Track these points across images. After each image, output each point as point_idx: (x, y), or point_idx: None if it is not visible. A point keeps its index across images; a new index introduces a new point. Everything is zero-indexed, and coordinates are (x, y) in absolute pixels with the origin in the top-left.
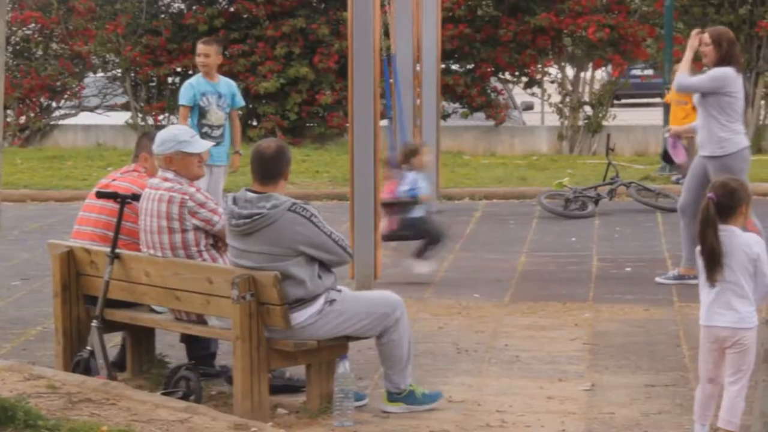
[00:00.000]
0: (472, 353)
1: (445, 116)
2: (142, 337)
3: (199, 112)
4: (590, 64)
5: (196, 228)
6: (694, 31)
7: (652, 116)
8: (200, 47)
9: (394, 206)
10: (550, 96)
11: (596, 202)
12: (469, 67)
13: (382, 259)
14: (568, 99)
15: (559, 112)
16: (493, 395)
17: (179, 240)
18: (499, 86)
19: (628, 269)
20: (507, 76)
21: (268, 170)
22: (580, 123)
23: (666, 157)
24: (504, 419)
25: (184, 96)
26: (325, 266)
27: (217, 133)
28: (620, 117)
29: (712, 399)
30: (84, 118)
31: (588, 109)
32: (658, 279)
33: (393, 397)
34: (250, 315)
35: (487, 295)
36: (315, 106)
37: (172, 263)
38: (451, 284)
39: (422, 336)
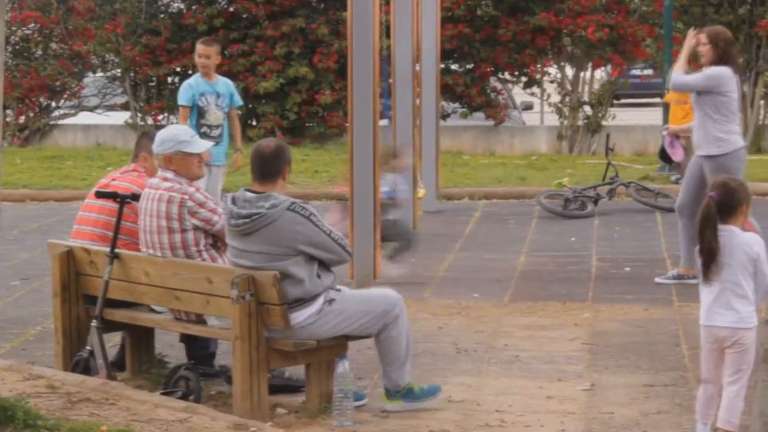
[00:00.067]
0: (472, 353)
1: (444, 116)
2: (141, 337)
3: (197, 112)
4: (590, 64)
5: (196, 228)
6: (691, 31)
7: (652, 116)
8: (201, 48)
9: None
10: (549, 96)
11: (596, 202)
12: (469, 66)
13: (382, 259)
14: (567, 99)
15: (559, 112)
16: (492, 395)
17: (179, 240)
18: (499, 86)
19: (628, 269)
20: (506, 75)
21: (267, 169)
22: (580, 123)
23: (664, 156)
24: (503, 419)
25: (183, 96)
26: (325, 266)
27: (215, 132)
28: (620, 117)
29: (714, 398)
30: (83, 117)
31: (587, 108)
32: (657, 279)
33: (391, 394)
34: (249, 315)
35: (486, 294)
36: (314, 106)
37: (171, 263)
38: (451, 284)
39: (422, 336)
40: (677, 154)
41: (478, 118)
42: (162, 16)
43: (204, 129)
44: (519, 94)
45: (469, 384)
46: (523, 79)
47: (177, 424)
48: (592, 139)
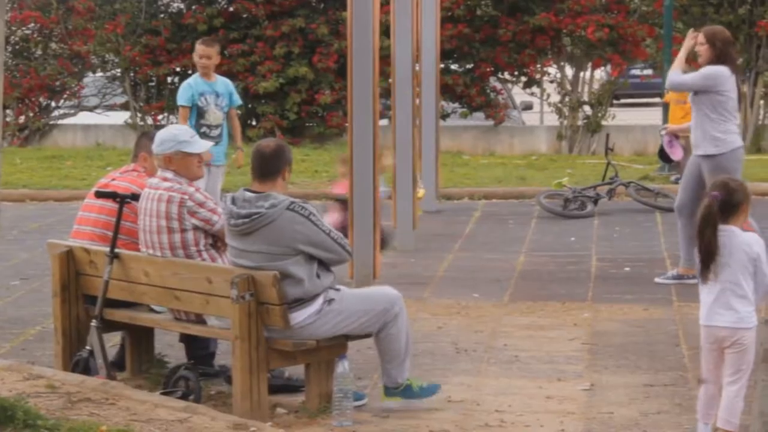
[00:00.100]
0: (471, 353)
1: (444, 116)
2: (141, 337)
3: (197, 112)
4: (589, 64)
5: (196, 228)
6: (691, 31)
7: (652, 116)
8: (202, 49)
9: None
10: (549, 96)
11: (595, 202)
12: (469, 66)
13: (381, 259)
14: (567, 99)
15: (559, 111)
16: (492, 395)
17: (178, 240)
18: (499, 86)
19: (627, 269)
20: (506, 75)
21: (267, 167)
22: (580, 123)
23: (663, 156)
24: (503, 419)
25: (183, 96)
26: (325, 265)
27: (215, 132)
28: (619, 117)
29: (715, 398)
30: (83, 117)
31: (587, 108)
32: (657, 279)
33: (390, 391)
34: (249, 315)
35: (486, 294)
36: (314, 106)
37: (171, 263)
38: (451, 284)
39: (421, 336)
40: (676, 154)
41: (478, 118)
42: (162, 16)
43: (204, 129)
44: (519, 94)
45: (469, 384)
46: (523, 79)
47: (177, 423)
48: (591, 139)
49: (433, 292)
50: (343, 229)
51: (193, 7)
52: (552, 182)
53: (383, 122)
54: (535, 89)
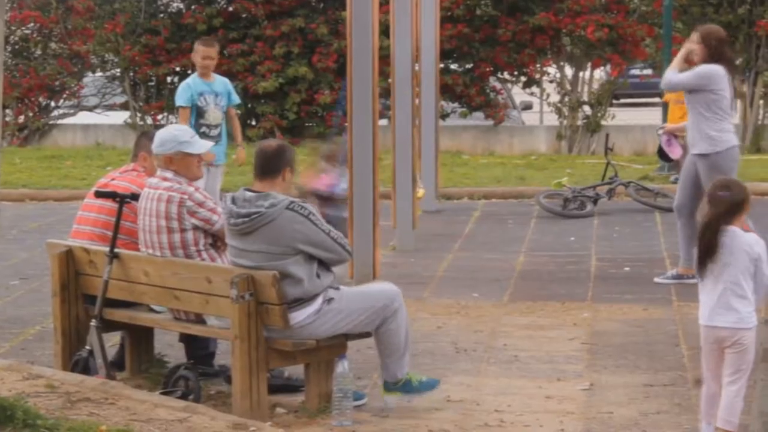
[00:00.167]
0: (471, 353)
1: (444, 116)
2: (141, 337)
3: (196, 112)
4: (589, 64)
5: (195, 227)
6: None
7: (651, 116)
8: (204, 50)
9: (327, 200)
10: (549, 95)
11: (595, 202)
12: (468, 66)
13: (382, 258)
14: (567, 99)
15: (558, 111)
16: (491, 395)
17: (178, 239)
18: (498, 86)
19: (627, 269)
20: (506, 75)
21: (268, 166)
22: (579, 123)
23: (662, 155)
24: (503, 419)
25: (182, 97)
26: (325, 265)
27: (214, 132)
28: (619, 117)
29: (716, 398)
30: (83, 117)
31: (587, 108)
32: (656, 279)
33: (390, 386)
34: (248, 314)
35: (485, 294)
36: (314, 106)
37: (171, 263)
38: (450, 284)
39: (421, 335)
40: (675, 152)
41: (478, 118)
42: (161, 15)
43: (203, 129)
44: (518, 94)
45: (468, 384)
46: (523, 78)
47: (176, 423)
48: (591, 139)
49: (432, 291)
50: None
51: (193, 6)
52: (551, 182)
53: (383, 122)
54: (534, 89)
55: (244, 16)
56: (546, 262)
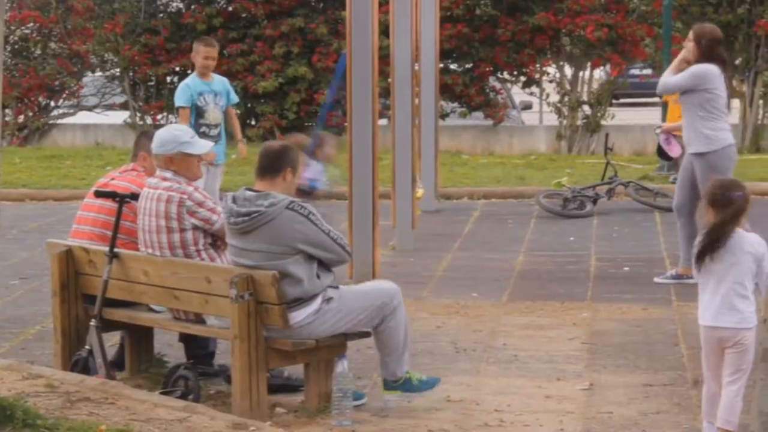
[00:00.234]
0: (471, 352)
1: (443, 116)
2: (140, 337)
3: (196, 112)
4: (588, 64)
5: (195, 227)
6: None
7: (651, 116)
8: (205, 50)
9: (307, 195)
10: (548, 95)
11: (595, 202)
12: (468, 66)
13: (381, 258)
14: (566, 98)
15: (558, 111)
16: (491, 394)
17: (178, 239)
18: (498, 86)
19: (627, 269)
20: (505, 75)
21: (269, 165)
22: (579, 122)
23: (661, 154)
24: (502, 418)
25: (182, 97)
26: (325, 266)
27: (214, 132)
28: (619, 116)
29: (717, 397)
30: (82, 117)
31: (586, 108)
32: (656, 279)
33: (390, 385)
34: (248, 314)
35: (485, 294)
36: (314, 106)
37: (170, 262)
38: (450, 283)
39: (420, 335)
40: (674, 150)
41: (477, 118)
42: (161, 15)
43: (203, 129)
44: (518, 94)
45: (468, 383)
46: (522, 78)
47: (176, 423)
48: (591, 139)
49: (432, 291)
50: None
51: (193, 6)
52: (551, 182)
53: (382, 122)
54: (534, 89)
55: (243, 15)
56: (545, 262)
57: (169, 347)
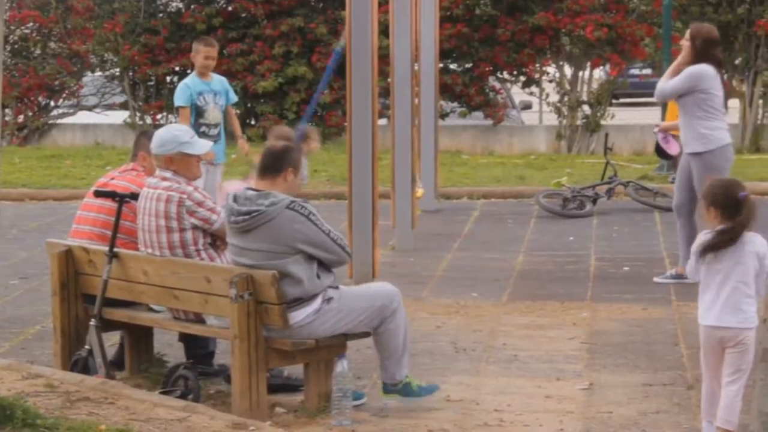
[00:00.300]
0: (470, 352)
1: (443, 115)
2: (140, 336)
3: (196, 112)
4: (588, 64)
5: (195, 227)
6: None
7: (651, 115)
8: (206, 50)
9: None
10: (548, 95)
11: (594, 202)
12: (468, 66)
13: (381, 258)
14: (566, 98)
15: (558, 111)
16: (491, 394)
17: (177, 239)
18: (498, 85)
19: (626, 268)
20: (505, 75)
21: (271, 165)
22: (579, 122)
23: (660, 152)
24: (502, 418)
25: (181, 97)
26: (325, 266)
27: (214, 132)
28: (618, 116)
29: (717, 397)
30: (82, 117)
31: (586, 108)
32: (656, 278)
33: (389, 388)
34: (248, 314)
35: (485, 294)
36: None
37: (170, 262)
38: (449, 283)
39: (420, 335)
40: (673, 149)
41: (477, 118)
42: (161, 15)
43: (203, 128)
44: (518, 94)
45: (468, 383)
46: (522, 78)
47: (176, 423)
48: (590, 139)
49: (431, 291)
50: None
51: (192, 6)
52: (551, 182)
53: (382, 122)
54: (534, 89)
55: (243, 15)
56: (545, 262)
57: (168, 347)
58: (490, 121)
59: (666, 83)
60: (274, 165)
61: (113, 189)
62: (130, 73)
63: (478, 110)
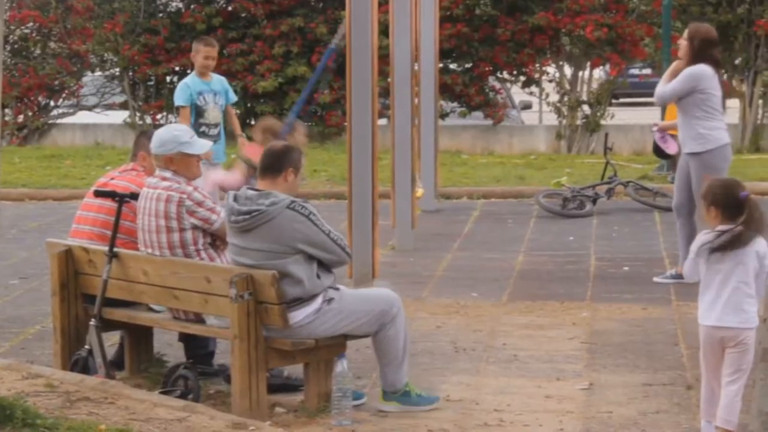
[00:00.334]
0: (470, 352)
1: (443, 115)
2: (140, 336)
3: (196, 112)
4: (588, 63)
5: (194, 227)
6: None
7: (651, 115)
8: (205, 49)
9: None
10: (548, 95)
11: (594, 202)
12: (468, 66)
13: (381, 258)
14: (566, 98)
15: (558, 111)
16: (491, 394)
17: (177, 239)
18: (498, 85)
19: (626, 268)
20: (505, 75)
21: (271, 165)
22: (579, 122)
23: (658, 152)
24: (502, 418)
25: (181, 96)
26: (325, 266)
27: (214, 131)
28: (618, 116)
29: (716, 397)
30: (82, 117)
31: (586, 108)
32: (655, 278)
33: (388, 395)
34: (248, 314)
35: (485, 294)
36: (313, 105)
37: (170, 262)
38: (449, 283)
39: (420, 335)
40: (671, 148)
41: (477, 118)
42: (161, 15)
43: (203, 128)
44: (518, 94)
45: (468, 383)
46: (522, 78)
47: (176, 423)
48: (590, 139)
49: (431, 291)
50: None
51: (192, 6)
52: (551, 182)
53: (382, 122)
54: (534, 89)
55: (243, 15)
56: (545, 262)
57: (168, 347)
58: (489, 121)
59: (665, 87)
60: (274, 165)
61: (113, 189)
62: (130, 73)
63: (478, 110)
